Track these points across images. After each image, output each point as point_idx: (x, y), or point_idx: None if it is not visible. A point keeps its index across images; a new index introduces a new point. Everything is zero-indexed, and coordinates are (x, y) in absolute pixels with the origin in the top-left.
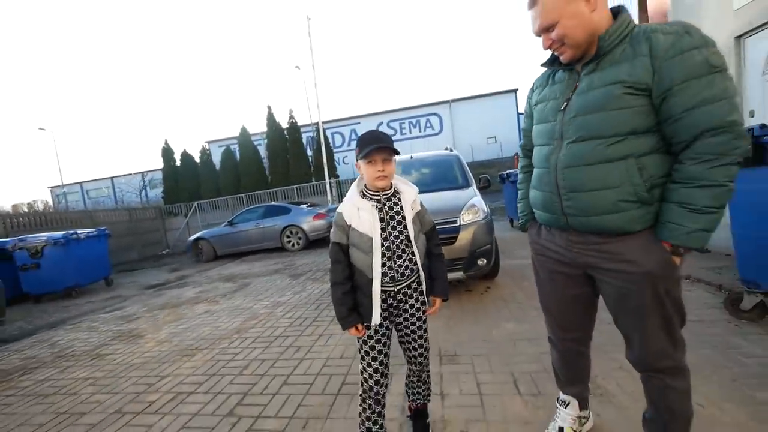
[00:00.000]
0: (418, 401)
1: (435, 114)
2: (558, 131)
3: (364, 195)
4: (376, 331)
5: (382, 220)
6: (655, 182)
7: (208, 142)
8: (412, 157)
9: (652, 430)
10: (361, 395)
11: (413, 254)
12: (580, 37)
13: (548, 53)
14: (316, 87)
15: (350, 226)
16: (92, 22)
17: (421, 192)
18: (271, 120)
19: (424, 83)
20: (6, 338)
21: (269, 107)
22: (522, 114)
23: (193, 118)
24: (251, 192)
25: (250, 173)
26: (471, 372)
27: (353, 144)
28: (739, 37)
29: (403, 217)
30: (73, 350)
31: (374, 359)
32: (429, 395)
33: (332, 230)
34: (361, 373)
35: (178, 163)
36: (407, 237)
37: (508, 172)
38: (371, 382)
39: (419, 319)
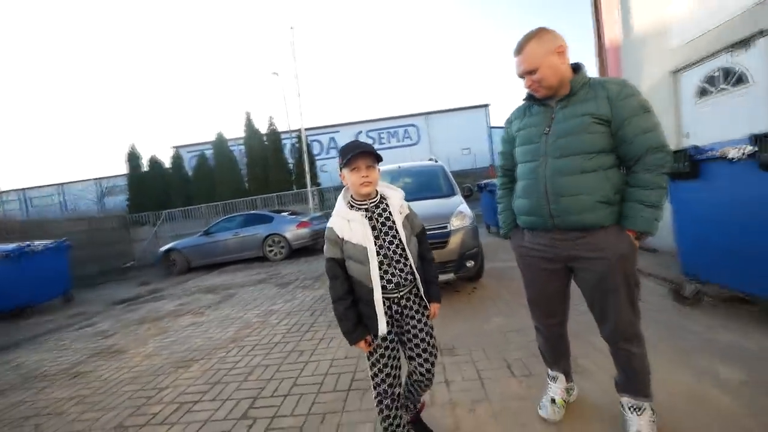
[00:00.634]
0: (412, 411)
1: (413, 125)
2: (543, 150)
3: (351, 206)
4: (384, 339)
5: (373, 228)
6: (618, 189)
7: (177, 147)
8: (399, 167)
9: (623, 389)
10: (375, 398)
11: (408, 258)
12: (553, 82)
13: (525, 91)
14: (300, 96)
15: (343, 239)
16: (48, 13)
17: (409, 200)
18: (249, 126)
19: (400, 95)
20: None
21: (248, 113)
22: (494, 128)
23: (158, 123)
24: (228, 200)
25: (225, 181)
26: (470, 361)
27: (332, 152)
28: (675, 72)
29: (394, 222)
30: (45, 370)
31: (385, 366)
32: (420, 400)
33: (325, 247)
34: (373, 378)
35: (145, 168)
36: (401, 241)
37: (485, 182)
38: (384, 386)
39: (426, 324)
